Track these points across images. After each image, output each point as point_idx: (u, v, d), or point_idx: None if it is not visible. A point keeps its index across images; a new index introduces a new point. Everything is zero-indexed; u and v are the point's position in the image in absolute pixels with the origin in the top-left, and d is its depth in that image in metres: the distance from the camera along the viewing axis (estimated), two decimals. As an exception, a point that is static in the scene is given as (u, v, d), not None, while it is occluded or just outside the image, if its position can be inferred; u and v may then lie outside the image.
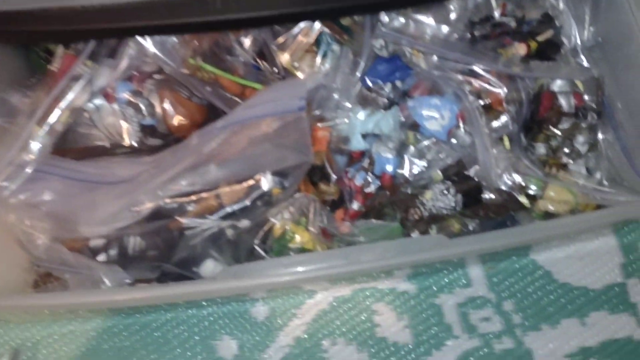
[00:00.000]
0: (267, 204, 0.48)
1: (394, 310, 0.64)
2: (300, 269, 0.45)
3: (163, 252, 0.49)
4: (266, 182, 0.47)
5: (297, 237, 0.50)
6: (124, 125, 0.53)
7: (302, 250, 0.51)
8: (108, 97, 0.53)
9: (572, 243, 0.66)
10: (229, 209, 0.47)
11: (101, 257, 0.49)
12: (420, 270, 0.64)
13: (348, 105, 0.53)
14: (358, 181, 0.54)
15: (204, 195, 0.46)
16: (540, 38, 0.54)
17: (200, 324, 0.62)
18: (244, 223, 0.48)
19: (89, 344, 0.61)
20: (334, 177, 0.54)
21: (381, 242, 0.48)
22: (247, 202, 0.47)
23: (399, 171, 0.55)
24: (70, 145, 0.55)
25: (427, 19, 0.53)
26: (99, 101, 0.53)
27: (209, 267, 0.49)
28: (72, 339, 0.61)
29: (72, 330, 0.62)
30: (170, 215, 0.47)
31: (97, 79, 0.52)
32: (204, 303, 0.62)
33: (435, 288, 0.65)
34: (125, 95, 0.53)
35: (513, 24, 0.54)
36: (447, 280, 0.65)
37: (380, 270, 0.47)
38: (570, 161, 0.58)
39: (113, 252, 0.49)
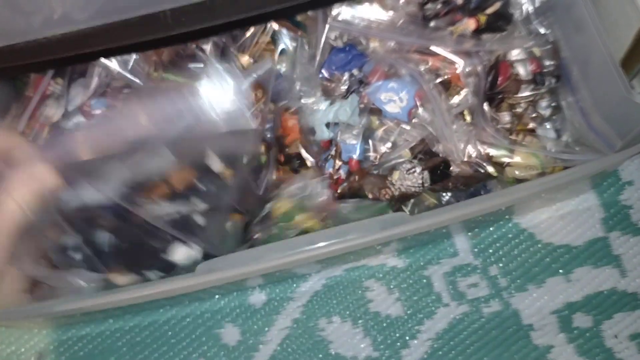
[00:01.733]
0: (221, 187, 0.50)
1: (385, 285, 0.67)
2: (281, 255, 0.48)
3: (133, 243, 0.51)
4: (214, 163, 0.49)
5: (299, 217, 0.53)
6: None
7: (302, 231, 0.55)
8: (86, 114, 0.57)
9: (553, 204, 0.67)
10: (182, 194, 0.49)
11: (77, 256, 0.51)
12: (409, 245, 0.67)
13: (309, 94, 0.56)
14: (328, 169, 0.57)
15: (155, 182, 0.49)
16: (489, 11, 0.55)
17: (203, 316, 0.67)
18: (201, 206, 0.50)
19: (104, 343, 0.66)
20: (312, 160, 0.56)
21: (339, 227, 0.51)
22: (201, 186, 0.49)
23: (367, 154, 0.58)
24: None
25: (375, 8, 0.55)
26: (77, 119, 0.57)
27: (181, 252, 0.51)
28: (89, 340, 0.67)
29: (88, 332, 0.67)
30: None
31: (72, 100, 0.56)
32: (202, 296, 0.67)
33: (423, 261, 0.67)
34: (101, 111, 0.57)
35: (460, 0, 0.55)
36: (434, 252, 0.67)
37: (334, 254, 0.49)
38: (537, 125, 0.60)
39: (87, 249, 0.51)
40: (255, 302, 0.67)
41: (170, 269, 0.50)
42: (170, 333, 0.67)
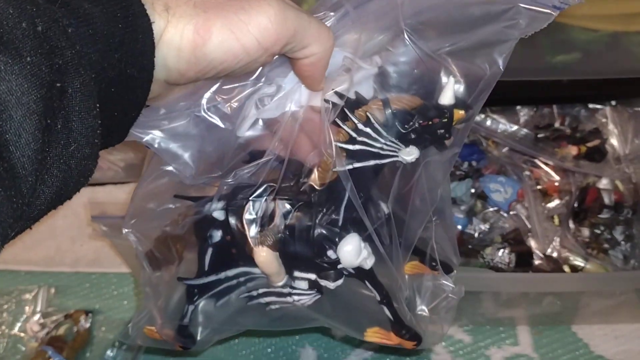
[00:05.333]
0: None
1: (450, 353, 0.77)
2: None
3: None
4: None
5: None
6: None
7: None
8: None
9: (611, 323, 0.77)
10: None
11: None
12: (477, 324, 0.78)
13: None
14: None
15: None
16: (589, 144, 0.71)
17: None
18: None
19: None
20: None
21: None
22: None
23: (467, 230, 0.71)
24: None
25: (501, 118, 0.71)
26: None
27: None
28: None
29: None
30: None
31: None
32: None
33: (487, 342, 0.77)
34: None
35: (568, 131, 0.71)
36: (498, 337, 0.77)
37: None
38: (610, 247, 0.72)
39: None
40: (336, 334, 0.78)
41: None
42: (256, 339, 0.77)
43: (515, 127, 0.71)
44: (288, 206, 0.41)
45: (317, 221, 0.41)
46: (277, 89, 0.41)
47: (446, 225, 0.45)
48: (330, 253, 0.42)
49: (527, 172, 0.71)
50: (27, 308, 0.79)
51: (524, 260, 0.70)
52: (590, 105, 0.73)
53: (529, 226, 0.69)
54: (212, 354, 0.75)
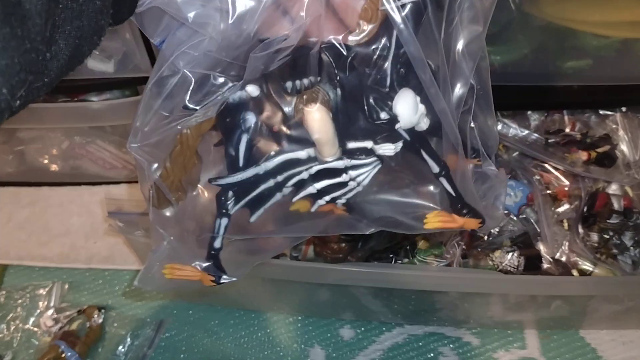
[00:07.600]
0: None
1: (458, 355, 0.77)
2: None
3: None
4: None
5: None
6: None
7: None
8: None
9: (618, 329, 0.77)
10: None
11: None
12: (485, 327, 0.78)
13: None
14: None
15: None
16: (600, 150, 0.71)
17: (298, 331, 0.78)
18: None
19: (210, 337, 0.79)
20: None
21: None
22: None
23: (477, 233, 0.72)
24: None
25: (512, 123, 0.72)
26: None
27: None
28: (198, 315, 0.80)
29: (202, 309, 0.80)
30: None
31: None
32: (299, 317, 0.79)
33: (495, 345, 0.77)
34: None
35: (579, 136, 0.72)
36: (506, 340, 0.78)
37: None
38: (618, 252, 0.72)
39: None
40: (344, 335, 0.78)
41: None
42: (265, 338, 0.78)
43: (525, 132, 0.72)
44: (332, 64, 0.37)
45: (367, 82, 0.37)
46: None
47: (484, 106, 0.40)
48: (383, 115, 0.38)
49: (537, 177, 0.72)
50: (40, 303, 0.81)
51: (532, 263, 0.70)
52: (601, 111, 0.74)
53: (538, 230, 0.70)
54: (222, 352, 0.77)
